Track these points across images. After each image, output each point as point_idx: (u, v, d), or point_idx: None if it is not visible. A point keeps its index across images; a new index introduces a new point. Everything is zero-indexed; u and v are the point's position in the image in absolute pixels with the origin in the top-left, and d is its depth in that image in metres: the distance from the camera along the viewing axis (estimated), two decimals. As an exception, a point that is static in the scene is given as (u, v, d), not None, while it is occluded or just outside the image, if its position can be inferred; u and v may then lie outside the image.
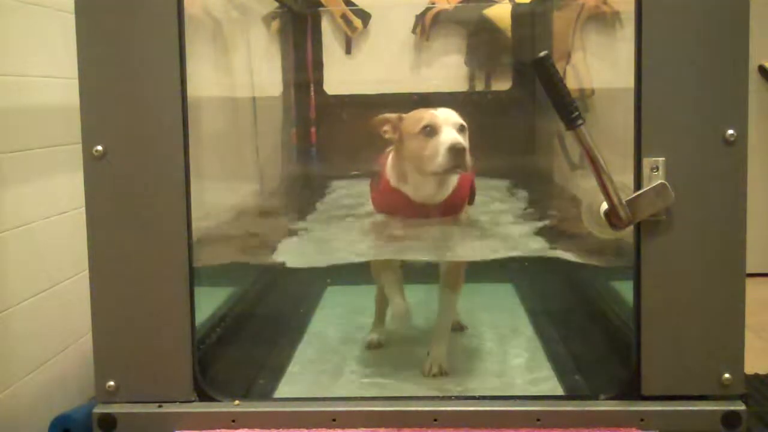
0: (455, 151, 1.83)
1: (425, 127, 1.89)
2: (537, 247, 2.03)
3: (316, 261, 2.10)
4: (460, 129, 1.91)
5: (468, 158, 1.86)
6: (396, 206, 2.01)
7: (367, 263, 2.20)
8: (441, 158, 1.85)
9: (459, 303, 2.18)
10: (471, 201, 2.14)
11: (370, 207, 2.15)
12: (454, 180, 1.99)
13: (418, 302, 2.45)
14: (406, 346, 2.22)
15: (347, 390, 1.96)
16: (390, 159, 2.04)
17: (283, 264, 2.05)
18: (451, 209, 2.03)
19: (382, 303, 2.27)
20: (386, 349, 2.22)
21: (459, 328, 2.33)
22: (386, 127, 1.99)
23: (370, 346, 2.23)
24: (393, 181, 2.00)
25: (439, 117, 1.90)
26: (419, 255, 2.06)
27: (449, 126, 1.89)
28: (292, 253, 2.10)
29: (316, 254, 2.11)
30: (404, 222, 2.01)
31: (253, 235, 2.27)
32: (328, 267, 2.05)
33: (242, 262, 2.28)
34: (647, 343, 1.61)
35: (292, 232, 2.22)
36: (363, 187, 2.29)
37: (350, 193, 2.61)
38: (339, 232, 2.21)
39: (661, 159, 1.56)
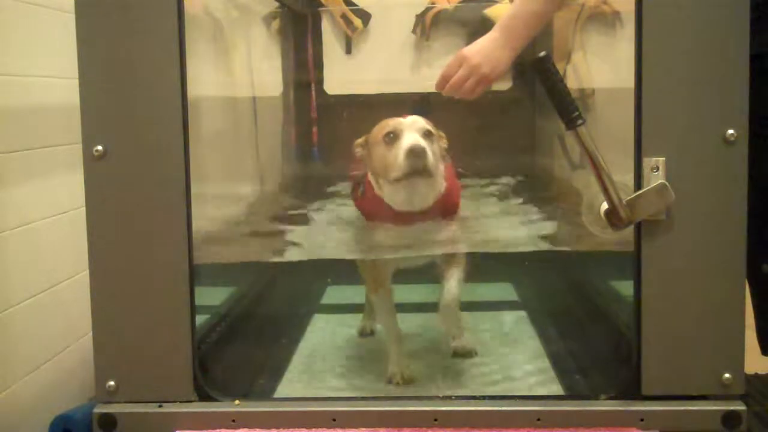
0: (414, 153, 1.79)
1: (388, 133, 1.87)
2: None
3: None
4: (425, 134, 1.87)
5: (430, 162, 1.81)
6: (382, 214, 1.97)
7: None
8: (401, 162, 1.81)
9: (461, 313, 2.13)
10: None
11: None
12: (435, 188, 1.92)
13: (419, 303, 2.46)
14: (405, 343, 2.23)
15: (347, 390, 1.96)
16: (369, 174, 2.00)
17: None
18: (442, 214, 1.98)
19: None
20: (385, 347, 2.22)
21: (469, 354, 2.16)
22: (358, 149, 1.98)
23: (362, 333, 2.34)
24: (376, 188, 1.96)
25: (404, 123, 1.88)
26: (419, 257, 2.06)
27: (413, 131, 1.86)
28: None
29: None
30: (395, 230, 1.97)
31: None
32: (329, 267, 2.06)
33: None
34: (647, 343, 1.61)
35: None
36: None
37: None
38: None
39: (661, 159, 1.56)
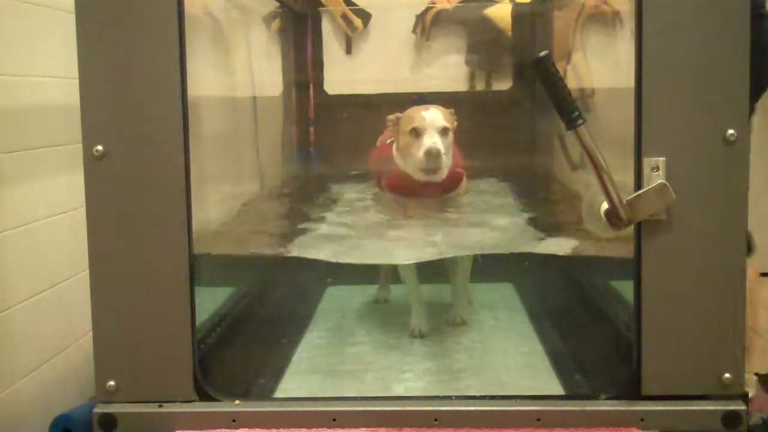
0: (430, 155, 2.13)
1: (413, 129, 2.17)
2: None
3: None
4: (443, 132, 2.16)
5: (443, 161, 2.15)
6: (404, 185, 2.27)
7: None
8: (419, 158, 2.15)
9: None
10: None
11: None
12: (449, 159, 2.22)
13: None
14: (405, 345, 2.23)
15: (347, 390, 1.96)
16: (395, 146, 2.30)
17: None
18: (451, 183, 2.29)
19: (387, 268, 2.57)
20: (386, 348, 2.22)
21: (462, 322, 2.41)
22: (390, 124, 2.29)
23: (377, 302, 2.60)
24: (401, 164, 2.26)
25: (426, 120, 2.16)
26: (437, 252, 2.15)
27: (433, 130, 2.15)
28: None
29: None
30: (413, 202, 2.30)
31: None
32: (329, 266, 2.06)
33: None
34: (647, 343, 1.61)
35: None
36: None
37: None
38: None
39: (661, 159, 1.56)
